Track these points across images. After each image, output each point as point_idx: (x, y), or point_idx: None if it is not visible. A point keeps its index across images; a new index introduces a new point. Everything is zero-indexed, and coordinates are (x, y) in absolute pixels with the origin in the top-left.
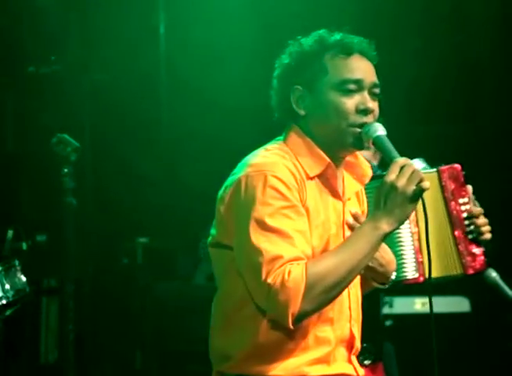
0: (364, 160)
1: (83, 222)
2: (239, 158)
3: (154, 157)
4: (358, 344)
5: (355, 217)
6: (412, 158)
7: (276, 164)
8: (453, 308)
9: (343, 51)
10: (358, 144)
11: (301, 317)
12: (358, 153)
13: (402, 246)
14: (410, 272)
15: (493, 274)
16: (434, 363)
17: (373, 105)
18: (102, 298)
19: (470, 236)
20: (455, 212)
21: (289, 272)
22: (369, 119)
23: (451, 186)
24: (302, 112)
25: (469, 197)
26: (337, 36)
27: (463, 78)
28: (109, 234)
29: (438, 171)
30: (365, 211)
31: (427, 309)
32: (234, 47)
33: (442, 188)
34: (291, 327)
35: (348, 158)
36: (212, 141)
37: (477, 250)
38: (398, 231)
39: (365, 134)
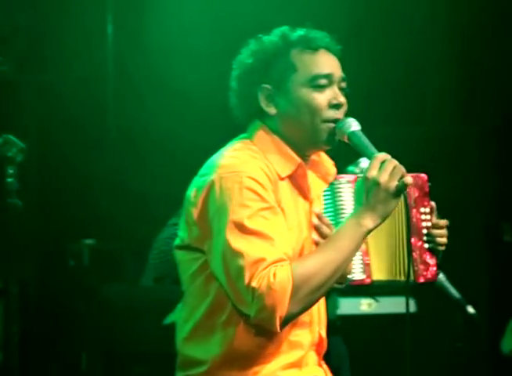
0: (327, 158)
1: (28, 223)
2: (187, 160)
3: (101, 158)
4: (326, 347)
5: (319, 217)
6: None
7: (250, 165)
8: (399, 309)
9: (309, 46)
10: (331, 140)
11: (288, 320)
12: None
13: None
14: (357, 274)
15: (439, 275)
16: (407, 362)
17: (344, 99)
18: (48, 300)
19: (426, 246)
20: (414, 220)
21: (274, 275)
22: (340, 114)
23: (414, 193)
24: (273, 111)
25: (431, 208)
26: (301, 32)
27: (410, 80)
28: (55, 236)
29: None
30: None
31: (372, 309)
32: (183, 47)
33: (405, 194)
34: (278, 330)
35: (312, 156)
36: (160, 142)
37: (431, 260)
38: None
39: (339, 129)
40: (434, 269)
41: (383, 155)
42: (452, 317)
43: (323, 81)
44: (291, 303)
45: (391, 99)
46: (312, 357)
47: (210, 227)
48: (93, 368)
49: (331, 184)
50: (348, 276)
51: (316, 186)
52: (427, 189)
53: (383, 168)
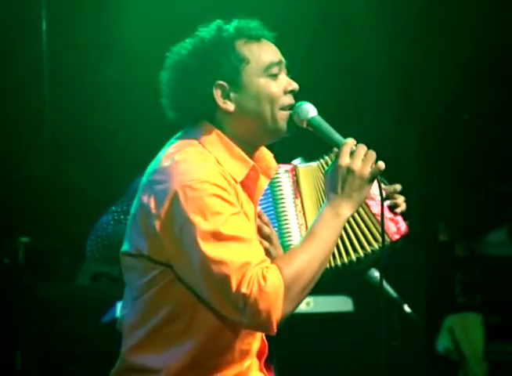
0: (267, 151)
1: None
2: (122, 157)
3: (36, 155)
4: (266, 352)
5: (259, 215)
6: (293, 158)
7: (210, 171)
8: (337, 307)
9: (251, 37)
10: (291, 128)
11: (282, 320)
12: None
13: (289, 236)
14: None
15: (376, 274)
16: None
17: (296, 85)
18: None
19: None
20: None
21: (264, 278)
22: (292, 100)
23: None
24: (231, 107)
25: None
26: (237, 24)
27: (347, 79)
28: None
29: (319, 164)
30: None
31: (311, 308)
32: (117, 44)
33: (378, 179)
34: (275, 332)
35: (255, 153)
36: (96, 140)
37: (395, 216)
38: (283, 210)
39: (297, 115)
40: (403, 222)
41: (352, 141)
42: (388, 316)
43: (276, 69)
44: (285, 303)
45: (330, 98)
46: (255, 363)
47: (178, 239)
48: (28, 367)
49: None
50: None
51: (261, 182)
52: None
53: (355, 154)
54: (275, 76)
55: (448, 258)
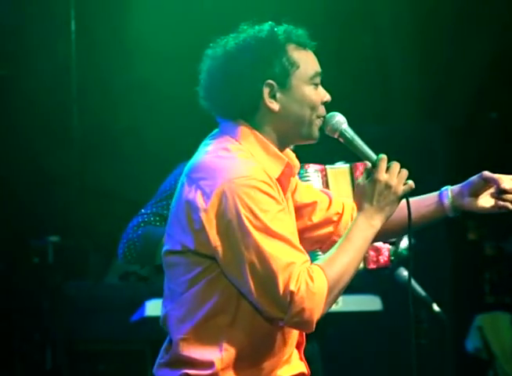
0: (290, 151)
1: None
2: (150, 157)
3: (65, 154)
4: (304, 342)
5: None
6: (330, 156)
7: (256, 168)
8: (365, 306)
9: (300, 43)
10: (319, 135)
11: (319, 320)
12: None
13: None
14: None
15: (404, 273)
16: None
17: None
18: (13, 298)
19: None
20: None
21: (311, 278)
22: (325, 111)
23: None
24: (276, 107)
25: None
26: (286, 28)
27: (373, 79)
28: (19, 233)
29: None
30: None
31: (339, 307)
32: (147, 43)
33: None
34: (313, 331)
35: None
36: (124, 140)
37: (382, 245)
38: None
39: (331, 125)
40: (387, 254)
41: (385, 157)
42: (417, 315)
43: (318, 79)
44: (325, 304)
45: (356, 98)
46: (295, 352)
47: (225, 235)
48: (58, 366)
49: (298, 173)
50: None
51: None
52: None
53: (391, 171)
54: (317, 85)
55: (477, 257)
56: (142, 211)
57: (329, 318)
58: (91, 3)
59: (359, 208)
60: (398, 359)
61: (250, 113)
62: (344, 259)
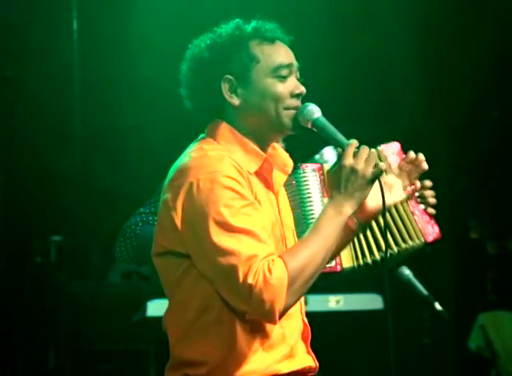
0: (283, 150)
1: None
2: (153, 157)
3: (67, 154)
4: (310, 334)
5: None
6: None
7: (224, 163)
8: (367, 305)
9: (266, 38)
10: (295, 126)
11: (285, 312)
12: (275, 143)
13: None
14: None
15: (406, 272)
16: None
17: (304, 89)
18: (15, 297)
19: (422, 207)
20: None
21: (269, 270)
22: (299, 103)
23: (396, 161)
24: (236, 102)
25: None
26: (255, 24)
27: (375, 79)
28: (21, 232)
29: (380, 150)
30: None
31: (341, 306)
32: (147, 43)
33: (380, 179)
34: (276, 322)
35: (268, 150)
36: (127, 139)
37: (431, 220)
38: (311, 209)
39: (302, 116)
40: (437, 226)
41: (355, 142)
42: (419, 314)
43: (285, 72)
44: (288, 295)
45: (359, 97)
46: (301, 345)
47: (193, 230)
48: (61, 365)
49: (295, 172)
50: None
51: (277, 177)
52: (404, 155)
53: (358, 155)
54: (283, 78)
55: (479, 255)
56: (141, 209)
57: (330, 317)
58: (94, 3)
59: (329, 197)
60: (399, 357)
61: (221, 111)
62: (309, 250)
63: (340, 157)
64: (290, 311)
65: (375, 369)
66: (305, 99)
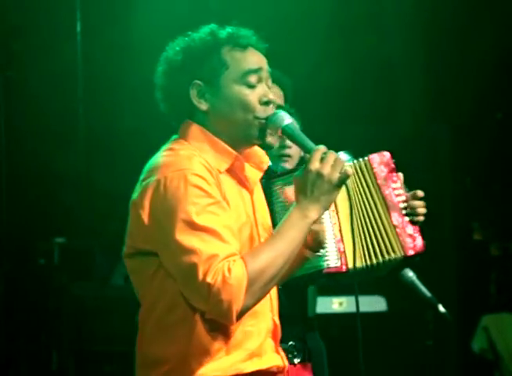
0: (259, 148)
1: None
2: None
3: (70, 156)
4: (280, 333)
5: None
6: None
7: (192, 162)
8: (370, 307)
9: (238, 44)
10: (262, 135)
11: (243, 312)
12: None
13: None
14: (332, 261)
15: (410, 274)
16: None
17: (273, 96)
18: (18, 299)
19: (407, 219)
20: (389, 197)
21: (229, 270)
22: (271, 110)
23: (382, 172)
24: (204, 107)
25: (401, 183)
26: (230, 30)
27: (378, 79)
28: (25, 234)
29: (367, 160)
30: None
31: (344, 308)
32: (150, 45)
33: (374, 175)
34: (234, 323)
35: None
36: (129, 140)
37: (415, 232)
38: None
39: (272, 123)
40: (421, 239)
41: (323, 148)
42: (422, 316)
43: (254, 79)
44: (246, 296)
45: (363, 97)
46: (270, 344)
47: (159, 227)
48: (64, 367)
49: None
50: (323, 264)
51: (252, 174)
52: (393, 165)
53: (325, 160)
54: (251, 85)
55: (482, 257)
56: None
57: (333, 319)
58: (97, 4)
59: (296, 201)
60: (403, 359)
61: (192, 115)
62: (271, 252)
63: (307, 162)
64: (258, 310)
65: (378, 371)
66: (309, 100)
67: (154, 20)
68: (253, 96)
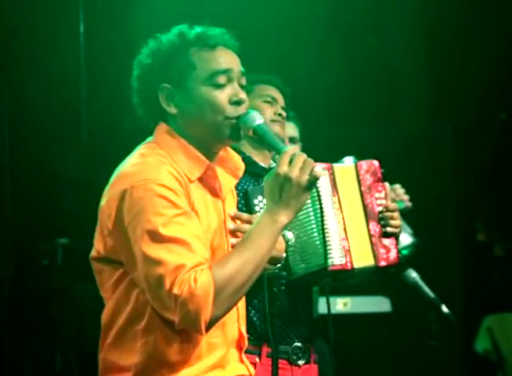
0: (235, 153)
1: (1, 222)
2: None
3: (74, 157)
4: (246, 342)
5: (236, 216)
6: (339, 158)
7: (160, 171)
8: (374, 308)
9: (207, 44)
10: (236, 135)
11: (213, 322)
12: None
13: (327, 232)
14: (337, 258)
15: (413, 274)
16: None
17: (244, 95)
18: (22, 300)
19: (383, 230)
20: (370, 206)
21: (195, 280)
22: (243, 109)
23: (368, 180)
24: (173, 110)
25: (386, 193)
26: (198, 29)
27: (381, 81)
28: (28, 235)
29: (355, 165)
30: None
31: (348, 309)
32: None
33: (359, 181)
34: (204, 333)
35: (220, 153)
36: (132, 142)
37: (391, 244)
38: (321, 207)
39: (243, 124)
40: (395, 251)
41: (292, 149)
42: (426, 316)
43: (222, 79)
44: (215, 306)
45: (365, 98)
46: (233, 354)
47: (126, 237)
48: (68, 368)
49: None
50: (328, 262)
51: (226, 181)
52: (379, 175)
53: (293, 162)
54: (220, 85)
55: (486, 258)
56: None
57: (337, 319)
58: (100, 5)
59: (265, 206)
60: (407, 359)
61: (165, 118)
62: (238, 260)
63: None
64: (224, 320)
65: (382, 371)
66: (312, 101)
67: (158, 22)
68: (222, 97)
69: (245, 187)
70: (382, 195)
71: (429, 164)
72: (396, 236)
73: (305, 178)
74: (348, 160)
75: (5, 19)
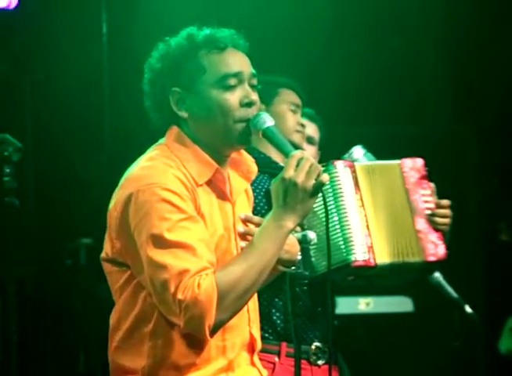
0: (248, 156)
1: (25, 222)
2: None
3: (96, 157)
4: (259, 345)
5: (247, 219)
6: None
7: (166, 175)
8: (397, 308)
9: (216, 46)
10: (245, 139)
11: (217, 327)
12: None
13: (349, 229)
14: (360, 254)
15: (436, 274)
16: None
17: (256, 97)
18: (45, 299)
19: (431, 226)
20: (415, 202)
21: (198, 285)
22: (253, 111)
23: (412, 177)
24: (184, 114)
25: (432, 191)
26: (207, 31)
27: (404, 80)
28: (51, 235)
29: (399, 163)
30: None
31: (371, 309)
32: None
33: (403, 179)
34: (209, 338)
35: (233, 155)
36: (155, 141)
37: (438, 239)
38: (343, 203)
39: (253, 126)
40: (443, 247)
41: (299, 153)
42: (449, 316)
43: (233, 81)
44: (218, 311)
45: (390, 98)
46: (244, 357)
47: (132, 241)
48: (91, 368)
49: (327, 169)
50: (350, 258)
51: (238, 184)
52: (424, 172)
53: (299, 167)
54: (230, 87)
55: (509, 257)
56: None
57: (360, 319)
58: (123, 5)
59: (272, 210)
60: (430, 359)
61: (177, 122)
62: (242, 265)
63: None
64: (233, 323)
65: (405, 371)
66: (335, 102)
67: (181, 19)
68: (233, 99)
69: (266, 186)
70: (427, 192)
71: (452, 163)
72: (445, 232)
73: (311, 183)
74: (357, 150)
75: (30, 22)
